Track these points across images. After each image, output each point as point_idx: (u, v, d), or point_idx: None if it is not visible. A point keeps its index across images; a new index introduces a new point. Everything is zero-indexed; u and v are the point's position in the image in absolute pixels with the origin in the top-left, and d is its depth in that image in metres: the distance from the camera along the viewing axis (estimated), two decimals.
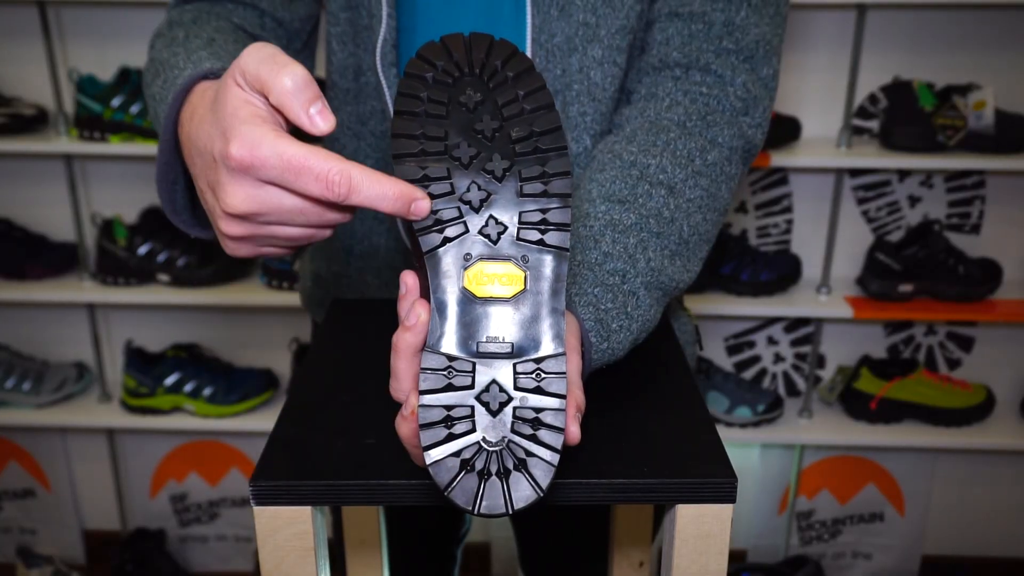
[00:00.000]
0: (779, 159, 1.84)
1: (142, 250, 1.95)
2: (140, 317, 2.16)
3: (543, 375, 0.56)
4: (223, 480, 2.28)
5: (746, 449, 2.18)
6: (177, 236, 1.97)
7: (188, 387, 2.03)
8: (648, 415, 0.70)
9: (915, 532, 2.24)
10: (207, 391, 2.03)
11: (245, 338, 2.17)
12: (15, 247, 2.00)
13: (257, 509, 0.63)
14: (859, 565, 2.27)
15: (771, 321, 2.14)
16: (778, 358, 2.17)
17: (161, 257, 1.96)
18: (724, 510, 0.63)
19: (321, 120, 0.57)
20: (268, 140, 0.55)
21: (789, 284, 1.98)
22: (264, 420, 2.04)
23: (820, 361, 2.16)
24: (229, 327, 2.16)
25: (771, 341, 2.16)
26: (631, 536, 1.00)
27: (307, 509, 0.63)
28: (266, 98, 0.57)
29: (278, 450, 0.67)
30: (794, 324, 2.14)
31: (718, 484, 0.62)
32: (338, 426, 0.69)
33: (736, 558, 2.28)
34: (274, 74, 0.56)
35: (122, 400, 2.05)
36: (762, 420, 2.03)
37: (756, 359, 2.17)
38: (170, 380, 2.02)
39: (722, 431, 1.98)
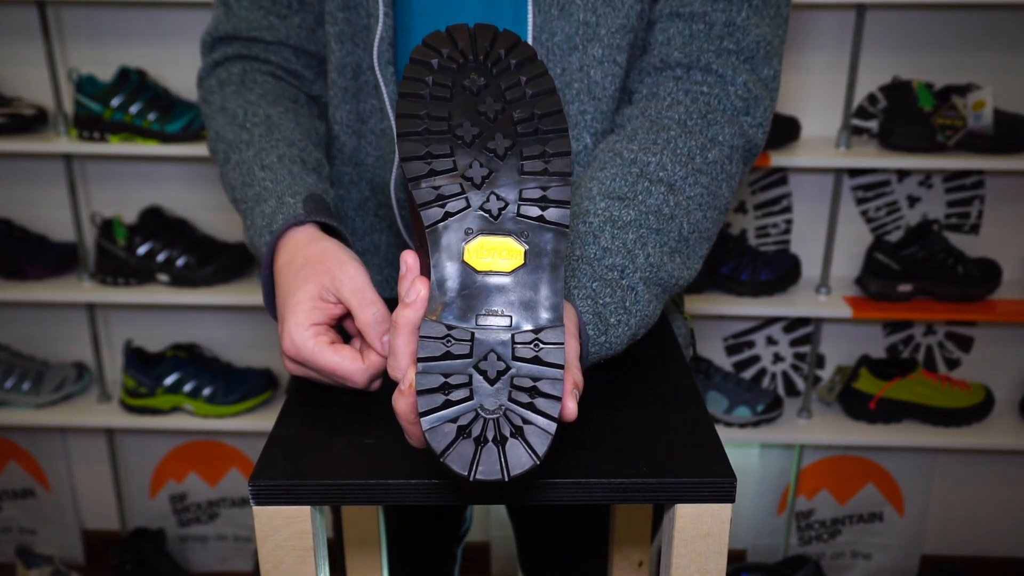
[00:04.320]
0: (779, 159, 1.84)
1: (142, 250, 1.95)
2: (140, 317, 2.16)
3: (541, 345, 0.57)
4: (223, 480, 2.28)
5: (745, 449, 2.18)
6: (177, 236, 1.97)
7: (188, 387, 2.03)
8: (647, 415, 0.71)
9: (914, 532, 2.24)
10: (207, 391, 2.03)
11: (245, 338, 2.17)
12: (15, 247, 2.00)
13: (256, 509, 0.63)
14: (858, 565, 2.28)
15: (770, 321, 2.14)
16: (777, 358, 2.17)
17: (161, 257, 1.96)
18: (723, 510, 0.63)
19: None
20: (308, 345, 0.71)
21: (788, 284, 1.98)
22: (264, 420, 2.04)
23: (819, 361, 2.16)
24: (229, 327, 2.16)
25: (770, 341, 2.16)
26: (631, 536, 1.00)
27: (306, 509, 0.63)
28: (340, 306, 0.73)
29: (277, 450, 0.67)
30: (793, 324, 2.14)
31: (717, 484, 0.62)
32: (338, 426, 0.69)
33: (735, 558, 2.28)
34: (363, 308, 0.71)
35: (121, 400, 2.05)
36: (761, 420, 2.03)
37: (755, 359, 2.17)
38: (170, 380, 2.02)
39: (721, 431, 1.98)
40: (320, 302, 0.73)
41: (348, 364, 0.70)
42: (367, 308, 0.71)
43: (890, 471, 2.20)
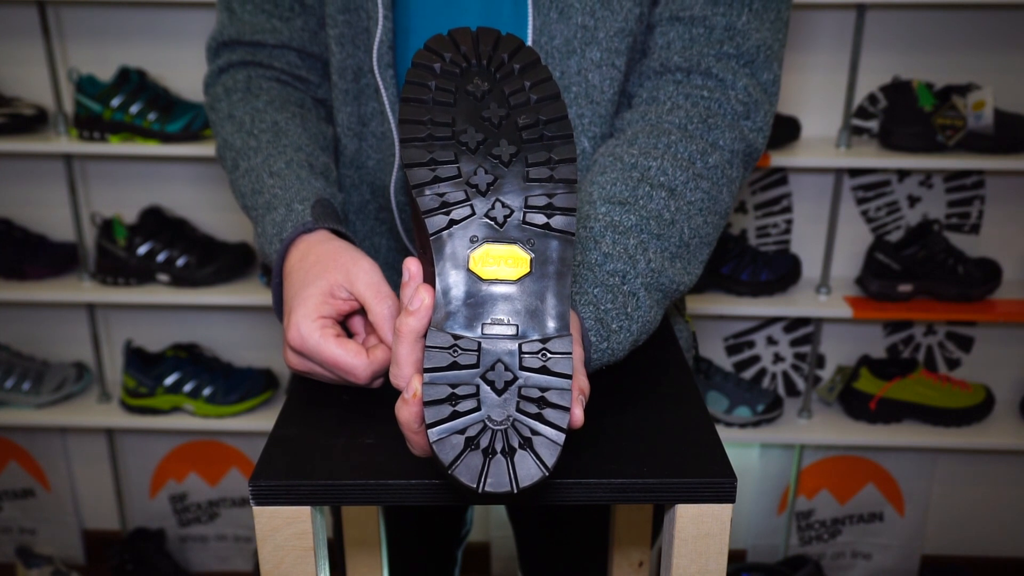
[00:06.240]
0: (779, 159, 1.84)
1: (142, 250, 1.95)
2: (140, 317, 2.16)
3: (549, 355, 0.56)
4: (223, 480, 2.28)
5: (746, 449, 2.19)
6: (177, 236, 1.97)
7: (188, 387, 2.03)
8: (648, 415, 0.71)
9: (914, 532, 2.24)
10: (207, 391, 2.03)
11: (245, 338, 2.17)
12: (15, 247, 2.00)
13: (257, 509, 0.63)
14: (858, 565, 2.28)
15: (771, 321, 2.14)
16: (778, 358, 2.17)
17: (161, 257, 1.96)
18: (723, 510, 0.63)
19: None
20: (314, 337, 0.71)
21: (789, 284, 1.98)
22: (264, 420, 2.04)
23: (819, 361, 2.16)
24: (229, 327, 2.16)
25: (771, 341, 2.16)
26: (631, 536, 1.00)
27: (307, 509, 0.63)
28: (350, 302, 0.74)
29: (278, 450, 0.67)
30: (794, 324, 2.14)
31: (717, 484, 0.62)
32: (338, 426, 0.69)
33: (735, 558, 2.28)
34: (378, 302, 0.72)
35: (121, 400, 2.05)
36: (762, 420, 2.03)
37: (756, 359, 2.17)
38: (170, 380, 2.02)
39: (722, 431, 1.98)
40: (330, 298, 0.73)
41: (352, 358, 0.70)
42: (382, 302, 0.72)
43: (890, 471, 2.20)
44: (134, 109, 1.85)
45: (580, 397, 0.58)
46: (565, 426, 0.54)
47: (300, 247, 0.78)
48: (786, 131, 1.88)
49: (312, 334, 0.71)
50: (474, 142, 0.60)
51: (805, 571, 2.14)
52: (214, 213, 2.08)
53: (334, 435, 0.68)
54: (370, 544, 1.04)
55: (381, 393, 0.74)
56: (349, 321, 0.77)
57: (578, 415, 0.57)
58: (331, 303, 0.73)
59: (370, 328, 0.76)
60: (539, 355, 0.56)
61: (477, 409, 0.54)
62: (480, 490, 0.52)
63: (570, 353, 0.56)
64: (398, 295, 0.63)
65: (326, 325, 0.72)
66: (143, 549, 2.20)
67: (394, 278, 1.00)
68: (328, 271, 0.74)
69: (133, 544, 2.20)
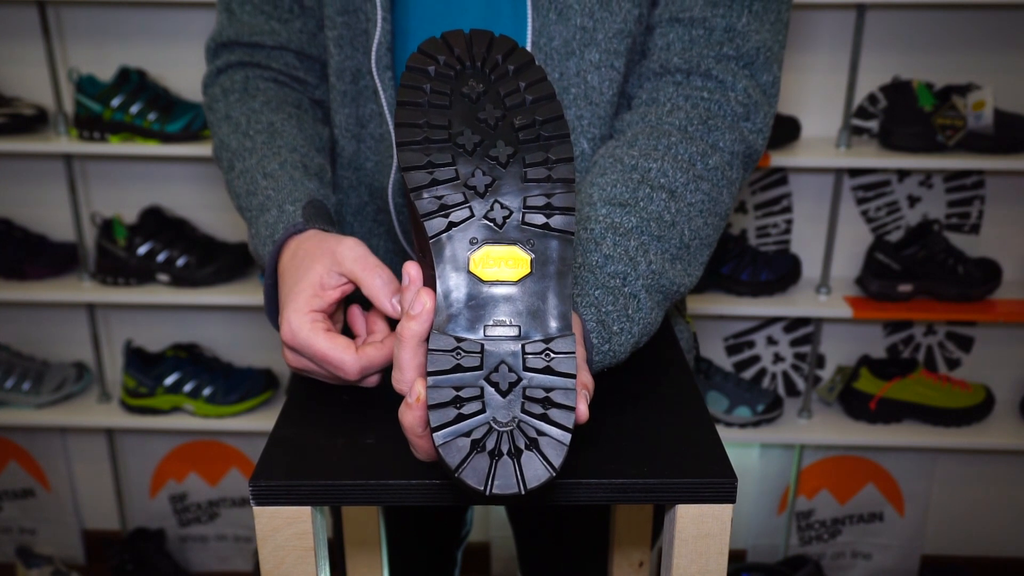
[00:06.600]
0: (779, 159, 1.84)
1: (142, 250, 1.95)
2: (140, 317, 2.16)
3: (552, 355, 0.56)
4: (223, 480, 2.28)
5: (746, 449, 2.19)
6: (177, 236, 1.97)
7: (188, 387, 2.03)
8: (648, 415, 0.71)
9: (914, 532, 2.24)
10: (207, 391, 2.03)
11: (245, 338, 2.17)
12: (15, 247, 2.00)
13: (257, 509, 0.63)
14: (858, 565, 2.28)
15: (771, 321, 2.14)
16: (778, 358, 2.17)
17: (161, 257, 1.96)
18: (724, 510, 0.63)
19: (399, 308, 0.69)
20: (304, 331, 0.71)
21: (789, 284, 1.98)
22: (264, 420, 2.04)
23: (819, 361, 2.16)
24: (229, 327, 2.16)
25: (771, 341, 2.16)
26: (631, 536, 1.00)
27: (307, 509, 0.63)
28: (339, 288, 0.73)
29: (278, 450, 0.67)
30: (794, 324, 2.14)
31: (718, 484, 0.62)
32: (338, 426, 0.69)
33: (735, 558, 2.28)
34: (368, 274, 0.71)
35: (122, 400, 2.05)
36: (762, 420, 2.03)
37: (756, 359, 2.17)
38: (170, 380, 2.02)
39: (722, 431, 1.98)
40: (320, 290, 0.73)
41: (340, 352, 0.70)
42: (372, 273, 0.72)
43: (890, 471, 2.20)
44: (134, 109, 1.85)
45: (584, 392, 0.58)
46: (571, 426, 0.54)
47: (291, 247, 0.78)
48: (786, 131, 1.88)
49: (302, 328, 0.71)
50: (471, 144, 0.60)
51: (805, 571, 2.14)
52: (214, 213, 2.08)
53: (334, 435, 0.68)
54: (370, 544, 1.04)
55: (381, 393, 0.74)
56: (351, 320, 0.77)
57: (583, 410, 0.57)
58: (321, 295, 0.73)
59: (371, 327, 0.76)
60: (542, 355, 0.56)
61: (482, 411, 0.54)
62: (488, 492, 0.52)
63: (573, 352, 0.56)
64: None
65: (316, 319, 0.72)
66: (143, 549, 2.20)
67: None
68: (316, 262, 0.74)
69: (133, 544, 2.20)
